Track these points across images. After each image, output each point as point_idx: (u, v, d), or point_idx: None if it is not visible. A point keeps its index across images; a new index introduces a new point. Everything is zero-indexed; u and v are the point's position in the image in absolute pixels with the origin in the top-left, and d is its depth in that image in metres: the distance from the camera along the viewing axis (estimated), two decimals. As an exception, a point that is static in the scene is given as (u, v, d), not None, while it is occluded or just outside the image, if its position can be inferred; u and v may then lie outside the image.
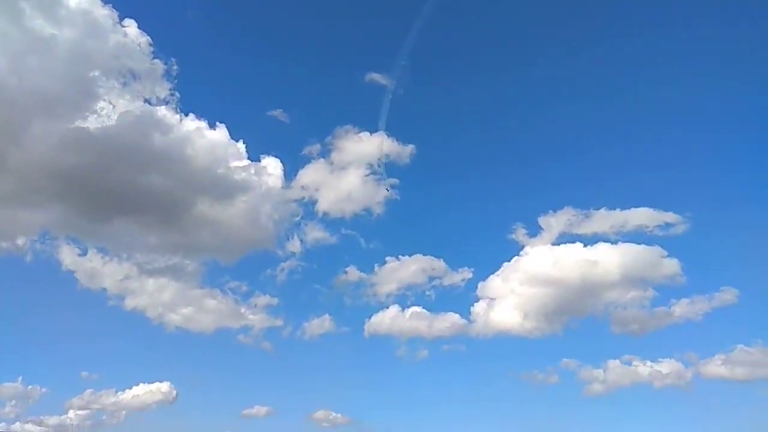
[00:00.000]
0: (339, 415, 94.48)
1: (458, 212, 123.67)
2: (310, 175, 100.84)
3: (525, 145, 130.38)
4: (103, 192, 75.07)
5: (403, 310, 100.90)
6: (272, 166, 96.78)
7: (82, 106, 75.79)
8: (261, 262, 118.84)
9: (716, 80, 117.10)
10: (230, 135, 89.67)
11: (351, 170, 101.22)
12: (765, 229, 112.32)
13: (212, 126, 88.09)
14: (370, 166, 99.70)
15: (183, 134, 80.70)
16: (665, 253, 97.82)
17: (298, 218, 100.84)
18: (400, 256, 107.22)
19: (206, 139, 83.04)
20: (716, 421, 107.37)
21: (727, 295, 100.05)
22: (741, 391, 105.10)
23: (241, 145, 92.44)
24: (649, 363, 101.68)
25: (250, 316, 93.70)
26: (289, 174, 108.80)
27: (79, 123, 65.85)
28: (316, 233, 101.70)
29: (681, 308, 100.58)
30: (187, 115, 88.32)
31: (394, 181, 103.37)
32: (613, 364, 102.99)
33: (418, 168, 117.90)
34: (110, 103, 74.73)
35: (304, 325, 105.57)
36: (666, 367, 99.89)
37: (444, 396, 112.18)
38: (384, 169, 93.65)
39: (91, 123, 68.68)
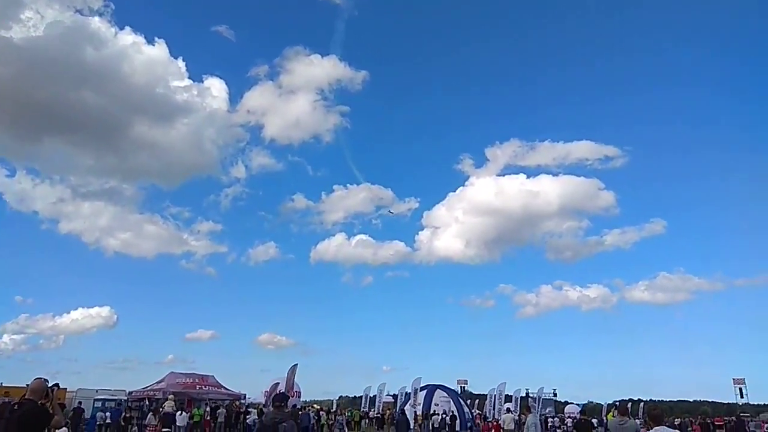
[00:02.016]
0: (284, 338, 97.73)
1: (408, 142, 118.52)
2: (257, 98, 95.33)
3: (477, 75, 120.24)
4: (31, 109, 70.03)
5: (349, 237, 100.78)
6: (216, 87, 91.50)
7: (4, 14, 69.25)
8: (204, 188, 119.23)
9: (662, 16, 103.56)
10: (170, 52, 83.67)
11: (300, 95, 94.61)
12: (698, 162, 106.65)
13: (150, 41, 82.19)
14: (321, 91, 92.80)
15: (118, 49, 75.34)
16: (602, 185, 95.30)
17: (243, 144, 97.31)
18: (348, 185, 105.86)
19: (144, 56, 77.21)
20: (637, 340, 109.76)
21: (656, 226, 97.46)
22: (661, 314, 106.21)
23: (181, 63, 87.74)
24: (578, 288, 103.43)
25: (193, 242, 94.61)
26: (235, 96, 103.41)
27: (2, 33, 63.53)
28: (262, 159, 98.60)
29: (612, 238, 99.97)
30: (122, 28, 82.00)
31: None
32: (546, 288, 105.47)
33: (370, 95, 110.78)
34: (37, 12, 68.17)
35: (248, 251, 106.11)
36: (594, 291, 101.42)
37: (387, 320, 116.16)
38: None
39: (16, 33, 63.09)
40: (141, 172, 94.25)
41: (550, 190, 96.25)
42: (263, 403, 37.15)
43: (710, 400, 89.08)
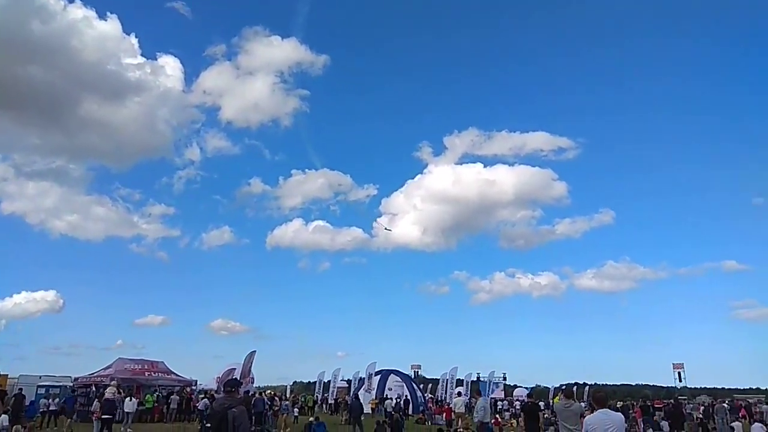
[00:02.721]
0: (237, 324, 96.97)
1: (367, 128, 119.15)
2: (214, 78, 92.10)
3: (438, 64, 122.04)
4: (-27, 84, 64.54)
5: (306, 223, 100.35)
6: (171, 65, 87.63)
7: (-56, -17, 61.38)
8: (156, 170, 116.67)
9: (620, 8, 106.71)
10: (122, 27, 79.14)
11: (259, 76, 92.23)
12: (647, 155, 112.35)
13: (102, 16, 77.22)
14: (281, 73, 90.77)
15: (68, 23, 71.04)
16: (556, 176, 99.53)
17: (198, 125, 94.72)
18: (306, 170, 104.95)
19: (95, 31, 72.87)
20: (584, 327, 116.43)
21: (605, 217, 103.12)
22: (607, 301, 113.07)
23: (134, 40, 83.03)
24: (529, 275, 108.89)
25: (144, 225, 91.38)
26: (190, 76, 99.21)
27: (-58, 4, 54.04)
28: (217, 142, 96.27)
29: (563, 227, 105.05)
30: (72, 1, 76.86)
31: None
32: (499, 276, 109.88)
33: (331, 80, 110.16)
34: (-21, -18, 61.74)
35: (202, 235, 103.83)
36: (544, 279, 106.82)
37: (343, 306, 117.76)
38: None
39: (-44, 4, 56.79)
40: (90, 152, 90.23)
41: (505, 179, 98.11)
42: (215, 389, 36.64)
43: (651, 384, 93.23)
